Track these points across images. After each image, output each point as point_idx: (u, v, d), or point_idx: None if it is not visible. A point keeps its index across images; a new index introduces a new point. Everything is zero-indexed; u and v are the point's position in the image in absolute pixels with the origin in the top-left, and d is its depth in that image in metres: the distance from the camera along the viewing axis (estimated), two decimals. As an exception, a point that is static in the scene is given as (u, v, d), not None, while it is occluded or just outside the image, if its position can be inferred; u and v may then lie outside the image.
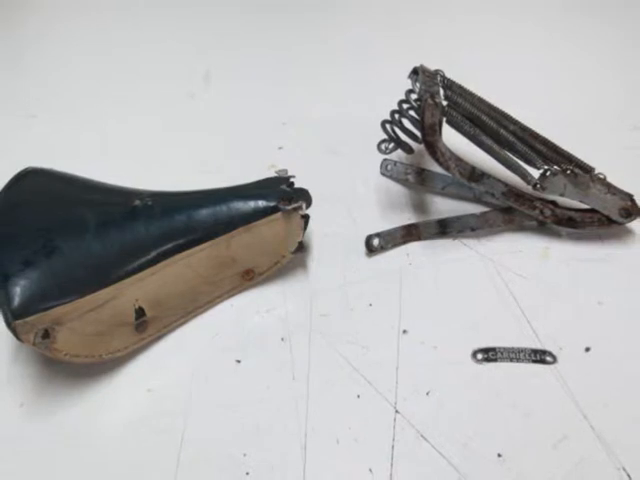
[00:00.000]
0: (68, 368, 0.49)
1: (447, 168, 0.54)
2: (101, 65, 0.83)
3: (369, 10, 0.91)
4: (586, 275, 0.54)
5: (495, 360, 0.49)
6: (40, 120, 0.75)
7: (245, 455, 0.44)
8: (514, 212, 0.58)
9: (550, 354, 0.49)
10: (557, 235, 0.58)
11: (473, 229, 0.58)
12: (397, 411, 0.46)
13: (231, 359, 0.50)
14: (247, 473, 0.44)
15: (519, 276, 0.55)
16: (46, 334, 0.43)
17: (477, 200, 0.61)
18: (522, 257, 0.56)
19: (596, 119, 0.70)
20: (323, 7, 0.93)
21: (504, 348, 0.50)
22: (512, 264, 0.55)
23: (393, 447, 0.45)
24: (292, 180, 0.53)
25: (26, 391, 0.48)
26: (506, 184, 0.55)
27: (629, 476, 0.42)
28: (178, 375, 0.49)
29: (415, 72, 0.58)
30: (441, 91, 0.56)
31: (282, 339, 0.51)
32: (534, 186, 0.54)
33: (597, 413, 0.45)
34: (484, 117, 0.55)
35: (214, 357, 0.50)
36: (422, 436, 0.45)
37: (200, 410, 0.47)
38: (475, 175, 0.54)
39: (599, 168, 0.54)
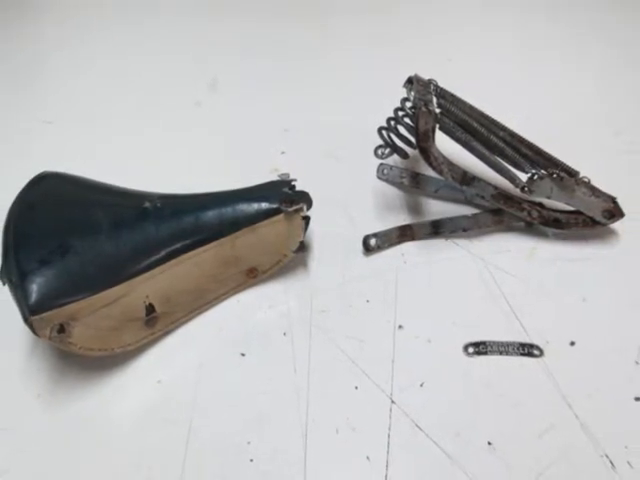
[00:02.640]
0: (82, 361, 0.49)
1: (440, 172, 0.54)
2: (114, 75, 0.83)
3: (367, 23, 0.91)
4: (571, 273, 0.55)
5: (485, 353, 0.49)
6: (56, 126, 0.75)
7: (249, 443, 0.45)
8: (503, 213, 0.58)
9: (537, 348, 0.49)
10: (544, 235, 0.58)
11: (465, 230, 0.58)
12: (393, 402, 0.46)
13: (236, 353, 0.50)
14: (251, 460, 0.44)
15: (508, 274, 0.55)
16: (61, 329, 0.44)
17: (468, 202, 0.61)
18: (511, 256, 0.56)
19: (581, 126, 0.70)
20: (324, 20, 0.93)
21: (494, 342, 0.50)
22: (501, 263, 0.56)
23: (389, 436, 0.45)
24: (294, 183, 0.53)
25: (42, 382, 0.48)
26: (496, 187, 0.55)
27: (611, 462, 0.42)
28: (186, 368, 0.49)
29: (410, 81, 0.58)
30: (434, 99, 0.56)
31: (284, 334, 0.51)
32: (522, 189, 0.54)
33: (581, 403, 0.45)
34: (475, 124, 0.55)
35: (220, 351, 0.50)
36: (417, 425, 0.45)
37: (207, 400, 0.47)
38: (466, 178, 0.54)
39: (584, 172, 0.54)
